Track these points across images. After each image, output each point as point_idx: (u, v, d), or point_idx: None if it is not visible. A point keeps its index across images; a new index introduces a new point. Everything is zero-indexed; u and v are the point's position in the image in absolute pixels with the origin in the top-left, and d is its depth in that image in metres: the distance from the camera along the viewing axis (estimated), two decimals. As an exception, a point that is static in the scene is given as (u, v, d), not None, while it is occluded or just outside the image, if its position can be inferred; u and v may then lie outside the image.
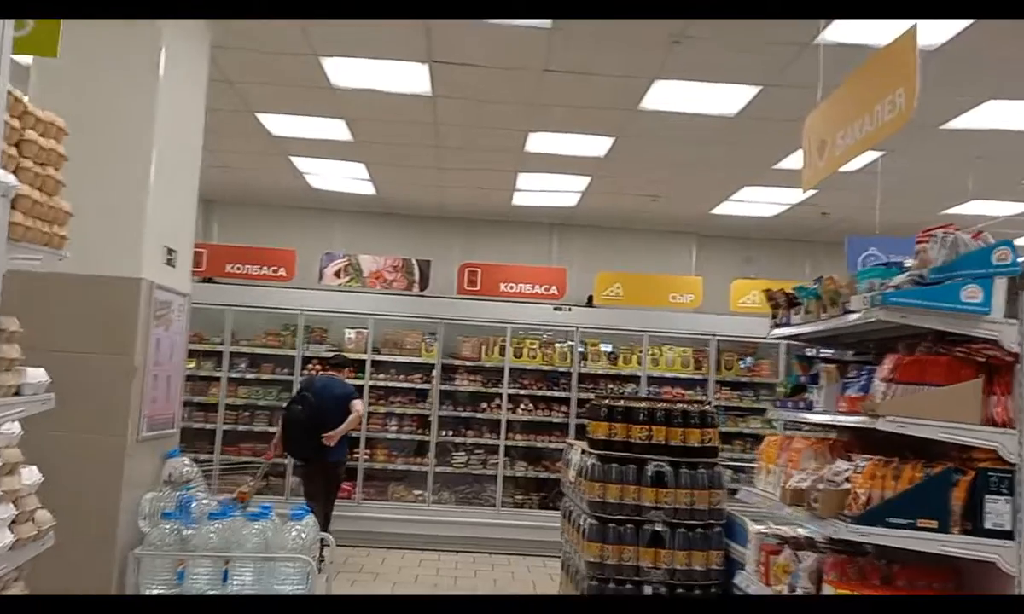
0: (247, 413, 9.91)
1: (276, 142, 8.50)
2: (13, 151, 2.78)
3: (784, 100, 6.50)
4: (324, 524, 8.05)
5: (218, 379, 9.87)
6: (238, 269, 10.06)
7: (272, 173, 9.79)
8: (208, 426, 9.81)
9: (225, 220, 11.48)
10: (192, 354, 9.79)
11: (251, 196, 11.13)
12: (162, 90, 4.65)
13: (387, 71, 6.48)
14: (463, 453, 10.01)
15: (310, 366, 9.86)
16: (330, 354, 9.04)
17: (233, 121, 7.81)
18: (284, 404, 9.65)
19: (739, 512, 5.35)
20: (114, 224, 4.50)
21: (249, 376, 9.96)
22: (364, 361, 9.84)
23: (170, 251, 4.86)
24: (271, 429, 9.74)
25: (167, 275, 4.81)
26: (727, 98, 6.70)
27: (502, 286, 10.30)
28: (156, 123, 4.62)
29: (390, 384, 9.96)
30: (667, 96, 6.69)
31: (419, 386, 10.02)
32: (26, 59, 5.43)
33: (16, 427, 3.01)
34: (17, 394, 3.02)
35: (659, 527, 5.41)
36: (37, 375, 3.12)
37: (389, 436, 9.97)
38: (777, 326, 4.46)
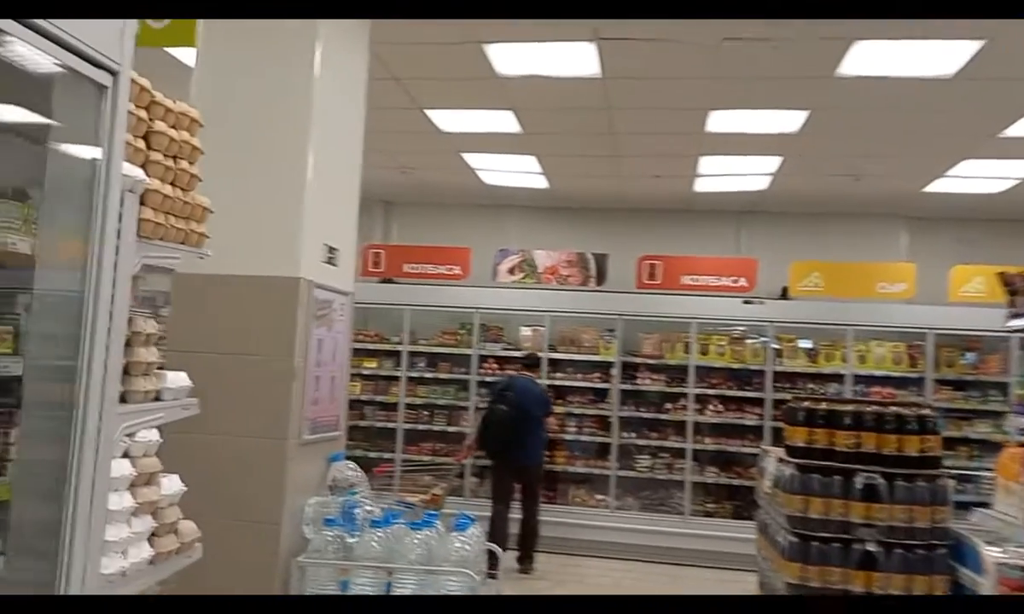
0: (426, 412, 9.89)
1: (447, 139, 8.35)
2: (141, 144, 2.62)
3: (1014, 55, 5.54)
4: (531, 526, 7.91)
5: (398, 378, 9.91)
6: (415, 269, 10.08)
7: (446, 171, 9.70)
8: (390, 425, 9.89)
9: (404, 221, 11.58)
10: (373, 354, 9.95)
11: (427, 196, 11.14)
12: (318, 88, 4.51)
13: (553, 54, 6.11)
14: (647, 456, 9.50)
15: (486, 364, 9.72)
16: (523, 354, 8.82)
17: (404, 119, 7.72)
18: (461, 403, 9.65)
19: (969, 532, 4.57)
20: (272, 223, 4.40)
21: (427, 375, 9.94)
22: (540, 359, 9.53)
23: (331, 249, 4.71)
24: (450, 428, 9.72)
25: (328, 274, 4.67)
26: (943, 56, 5.80)
27: (685, 279, 9.69)
28: (313, 121, 4.48)
29: (567, 383, 9.60)
30: (870, 58, 5.88)
31: (598, 385, 9.60)
32: (187, 57, 5.51)
33: (154, 435, 2.87)
34: (157, 399, 2.91)
35: (871, 547, 4.73)
36: (178, 379, 2.98)
37: (568, 437, 9.62)
38: (1017, 315, 3.68)
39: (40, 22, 2.12)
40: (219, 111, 4.48)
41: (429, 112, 7.55)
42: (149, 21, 3.13)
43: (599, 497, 9.49)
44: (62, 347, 2.40)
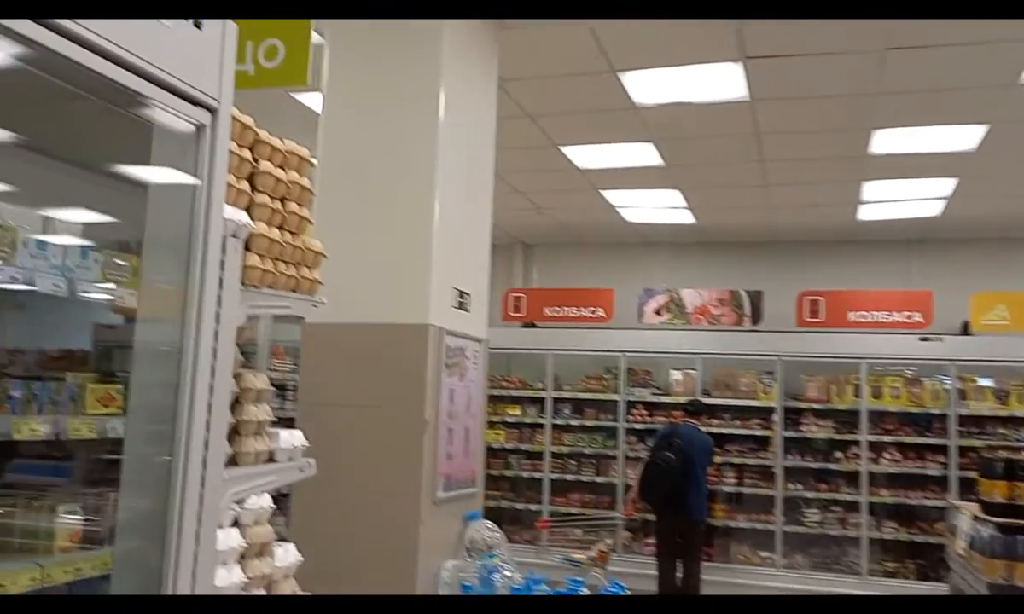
0: (573, 461, 9.51)
1: (585, 176, 8.05)
2: (245, 185, 2.44)
3: None
4: (692, 587, 7.39)
5: (543, 426, 9.59)
6: (557, 312, 9.79)
7: (585, 210, 9.40)
8: (536, 475, 9.57)
9: (544, 263, 11.35)
10: (516, 400, 9.69)
11: (568, 236, 10.86)
12: (444, 130, 4.31)
13: (694, 78, 5.71)
14: (816, 510, 8.71)
15: (634, 410, 9.26)
16: (686, 401, 8.30)
17: (540, 158, 7.49)
18: (610, 452, 9.21)
19: None
20: (399, 268, 4.20)
21: (573, 422, 9.56)
22: (710, 406, 8.95)
23: (462, 294, 4.47)
24: (598, 479, 9.30)
25: (459, 320, 4.42)
26: None
27: (851, 315, 8.92)
28: (439, 163, 4.27)
29: (724, 430, 8.97)
30: (1063, 55, 5.16)
31: (757, 432, 8.93)
32: (313, 102, 5.46)
33: (266, 500, 2.64)
34: (270, 461, 2.70)
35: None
36: (292, 438, 2.76)
37: (726, 489, 8.97)
38: None
39: (134, 59, 1.96)
40: (345, 155, 4.38)
41: (565, 149, 7.28)
42: (261, 60, 3.00)
43: (764, 554, 8.77)
44: (164, 406, 2.21)
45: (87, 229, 2.61)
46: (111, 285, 2.46)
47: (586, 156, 7.48)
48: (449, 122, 4.36)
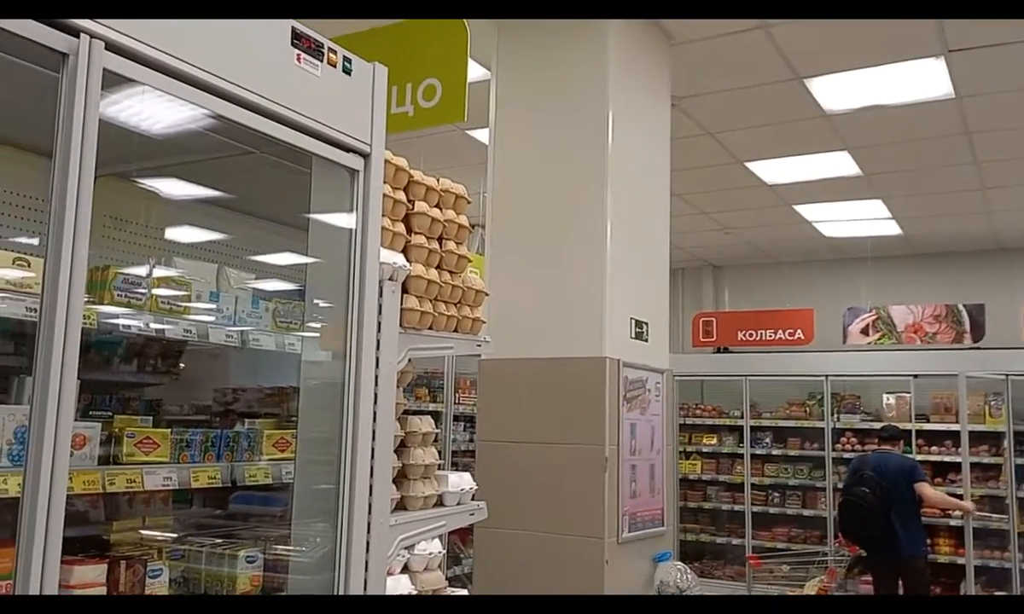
0: (776, 493, 8.97)
1: (775, 191, 7.64)
2: (400, 227, 2.43)
3: None
4: None
5: (741, 455, 9.13)
6: (751, 336, 9.31)
7: (777, 227, 8.93)
8: (736, 507, 9.10)
9: (735, 285, 10.90)
10: (712, 430, 9.31)
11: (759, 255, 10.37)
12: (614, 155, 4.19)
13: (889, 78, 5.24)
14: (1059, 546, 7.69)
15: (843, 438, 8.60)
16: (879, 426, 7.65)
17: (724, 176, 7.18)
18: (817, 483, 8.62)
19: None
20: (573, 300, 4.10)
21: (775, 452, 9.03)
22: (909, 431, 8.20)
23: (639, 324, 4.29)
24: (805, 512, 8.74)
25: (637, 351, 4.25)
26: None
27: (1095, 326, 7.86)
28: (610, 191, 4.15)
29: (945, 459, 8.14)
30: None
31: (985, 460, 8.03)
32: (482, 136, 5.48)
33: (436, 546, 2.60)
34: (439, 505, 2.65)
35: None
36: (461, 481, 2.70)
37: (952, 524, 8.11)
38: None
39: (288, 113, 2.00)
40: (515, 187, 4.35)
41: (751, 165, 6.93)
42: (420, 101, 3.02)
43: (1000, 594, 7.84)
44: (329, 451, 2.22)
45: (258, 277, 2.70)
46: (282, 333, 2.53)
47: (775, 170, 7.09)
48: (620, 147, 4.23)
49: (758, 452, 9.09)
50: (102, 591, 2.03)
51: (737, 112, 5.86)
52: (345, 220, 2.20)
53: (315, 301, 2.33)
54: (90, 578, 2.01)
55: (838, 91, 5.45)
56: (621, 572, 4.01)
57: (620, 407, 4.05)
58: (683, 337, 10.00)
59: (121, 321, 2.05)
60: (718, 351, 9.47)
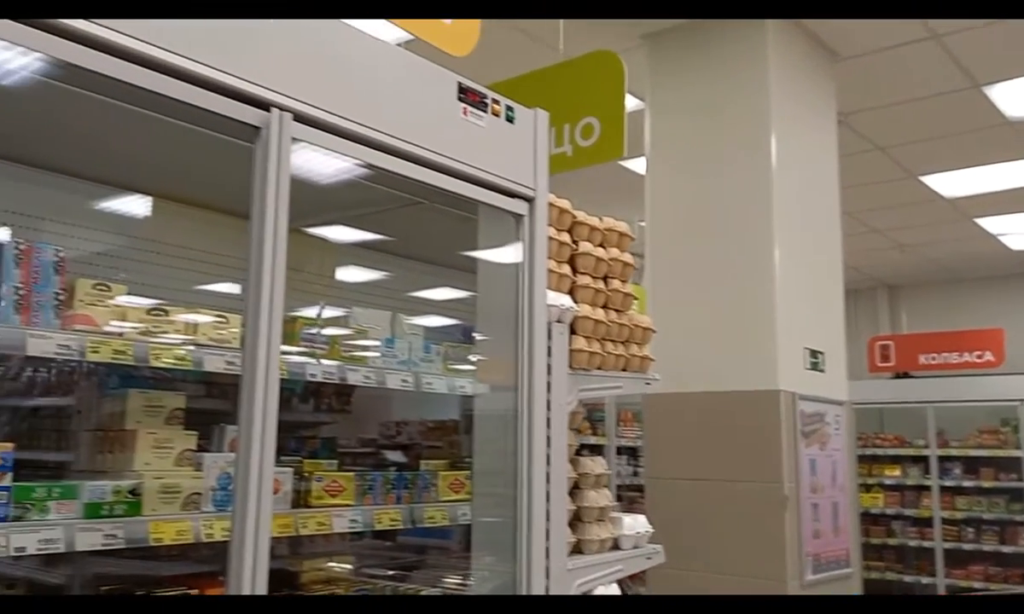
0: (970, 529, 8.29)
1: (954, 205, 7.17)
2: (566, 269, 2.43)
3: None
4: None
5: (927, 487, 8.51)
6: (933, 359, 8.71)
7: (957, 242, 8.37)
8: (925, 544, 8.48)
9: (914, 306, 10.26)
10: (894, 460, 8.76)
11: (939, 273, 9.73)
12: (778, 178, 4.06)
13: (1086, 72, 4.82)
14: None
15: (1045, 470, 7.87)
16: None
17: (898, 192, 6.81)
18: (1017, 517, 7.93)
19: None
20: (741, 331, 3.97)
21: (966, 484, 8.36)
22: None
23: (814, 354, 4.11)
24: (1004, 548, 8.01)
25: (813, 382, 4.06)
26: None
27: None
28: (775, 216, 4.01)
29: None
30: None
31: None
32: (637, 165, 5.43)
33: (614, 590, 2.56)
34: (615, 548, 2.61)
35: None
36: (636, 524, 2.66)
37: None
38: None
39: (457, 165, 2.06)
40: (674, 217, 4.29)
41: (926, 178, 6.54)
42: (578, 140, 3.03)
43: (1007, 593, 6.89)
44: (504, 493, 2.24)
45: (427, 318, 2.79)
46: (452, 376, 2.59)
47: (953, 183, 6.66)
48: (784, 169, 4.09)
49: (947, 484, 8.45)
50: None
51: (909, 125, 5.55)
52: (512, 262, 2.24)
53: (485, 343, 2.37)
54: (287, 618, 2.11)
55: (1022, 97, 5.06)
56: (805, 616, 3.80)
57: (797, 442, 3.87)
58: (858, 363, 9.49)
59: (308, 369, 2.16)
60: (897, 376, 8.91)
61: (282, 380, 1.67)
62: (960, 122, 5.45)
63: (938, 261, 9.19)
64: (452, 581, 2.60)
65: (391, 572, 2.73)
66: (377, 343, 2.47)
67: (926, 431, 8.55)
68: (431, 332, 2.71)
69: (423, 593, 2.50)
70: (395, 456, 2.51)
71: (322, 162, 1.91)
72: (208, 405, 2.31)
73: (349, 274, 2.92)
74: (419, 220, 2.54)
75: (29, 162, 2.14)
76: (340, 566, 2.68)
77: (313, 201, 2.27)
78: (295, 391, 2.78)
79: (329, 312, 2.60)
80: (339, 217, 2.66)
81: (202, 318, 2.02)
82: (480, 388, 2.39)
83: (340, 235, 2.78)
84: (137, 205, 2.34)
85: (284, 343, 2.17)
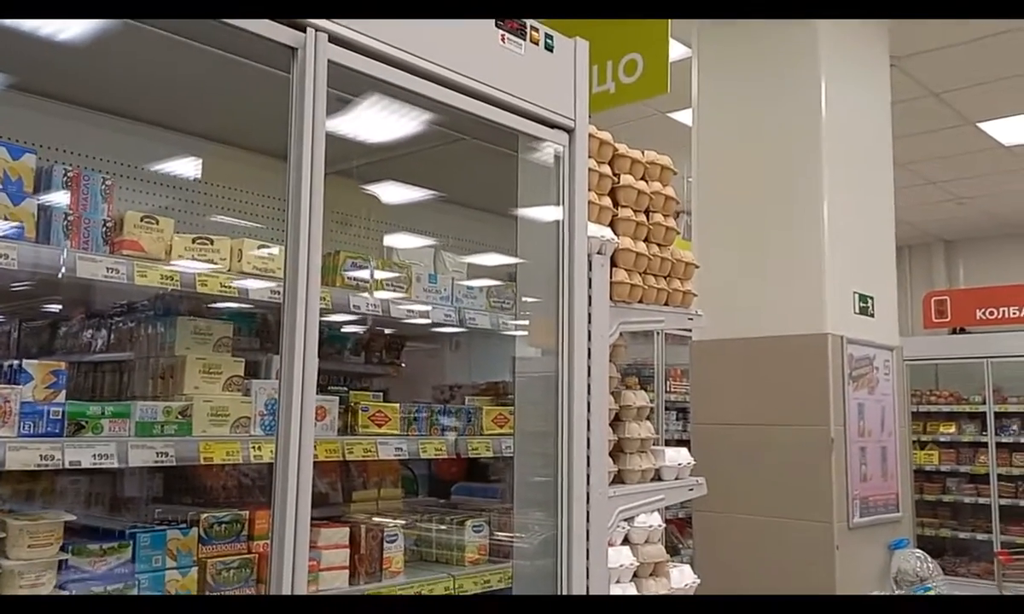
0: (1027, 485, 8.11)
1: (1014, 154, 6.93)
2: (607, 201, 2.43)
3: None
4: None
5: (984, 444, 8.34)
6: (991, 314, 8.48)
7: (1018, 194, 8.08)
8: (981, 500, 8.33)
9: (971, 260, 10.00)
10: (950, 417, 8.58)
11: (998, 227, 9.46)
12: (828, 122, 3.98)
13: None
14: None
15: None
16: None
17: (955, 141, 6.62)
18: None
19: None
20: (789, 275, 3.93)
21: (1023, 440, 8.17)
22: None
23: (863, 298, 4.04)
24: (1066, 507, 7.83)
25: (862, 327, 4.00)
26: None
27: None
28: (824, 161, 3.95)
29: None
30: None
31: None
32: (683, 117, 5.36)
33: (655, 520, 2.58)
34: (656, 479, 2.62)
35: None
36: (678, 456, 2.66)
37: None
38: None
39: (495, 93, 2.06)
40: (722, 165, 4.24)
41: (984, 125, 6.34)
42: (621, 77, 3.00)
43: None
44: (547, 425, 2.26)
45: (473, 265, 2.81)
46: (496, 312, 2.62)
47: (1013, 130, 6.44)
48: (835, 112, 4.01)
49: (1004, 440, 8.26)
50: (345, 553, 2.18)
51: (966, 68, 5.37)
52: (553, 196, 2.24)
53: (527, 280, 2.38)
54: (335, 540, 2.17)
55: (1088, 31, 4.87)
56: (853, 559, 3.79)
57: (845, 386, 3.83)
58: (913, 319, 9.30)
59: (352, 300, 2.20)
60: (953, 332, 8.71)
61: (327, 328, 1.69)
62: (1021, 64, 5.26)
63: (998, 214, 8.94)
64: (504, 520, 2.63)
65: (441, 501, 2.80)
66: (420, 279, 2.49)
67: (982, 388, 8.36)
68: (474, 268, 2.74)
69: (466, 520, 2.55)
70: (448, 421, 2.54)
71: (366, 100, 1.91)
72: (254, 340, 2.38)
73: (399, 217, 2.93)
74: (466, 162, 2.55)
75: (80, 102, 2.20)
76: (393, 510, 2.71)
77: (354, 146, 2.29)
78: (347, 344, 2.82)
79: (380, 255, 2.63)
80: (382, 163, 2.68)
81: (247, 249, 2.06)
82: (522, 323, 2.41)
83: (390, 182, 2.80)
84: (186, 145, 2.39)
85: (328, 278, 2.22)
